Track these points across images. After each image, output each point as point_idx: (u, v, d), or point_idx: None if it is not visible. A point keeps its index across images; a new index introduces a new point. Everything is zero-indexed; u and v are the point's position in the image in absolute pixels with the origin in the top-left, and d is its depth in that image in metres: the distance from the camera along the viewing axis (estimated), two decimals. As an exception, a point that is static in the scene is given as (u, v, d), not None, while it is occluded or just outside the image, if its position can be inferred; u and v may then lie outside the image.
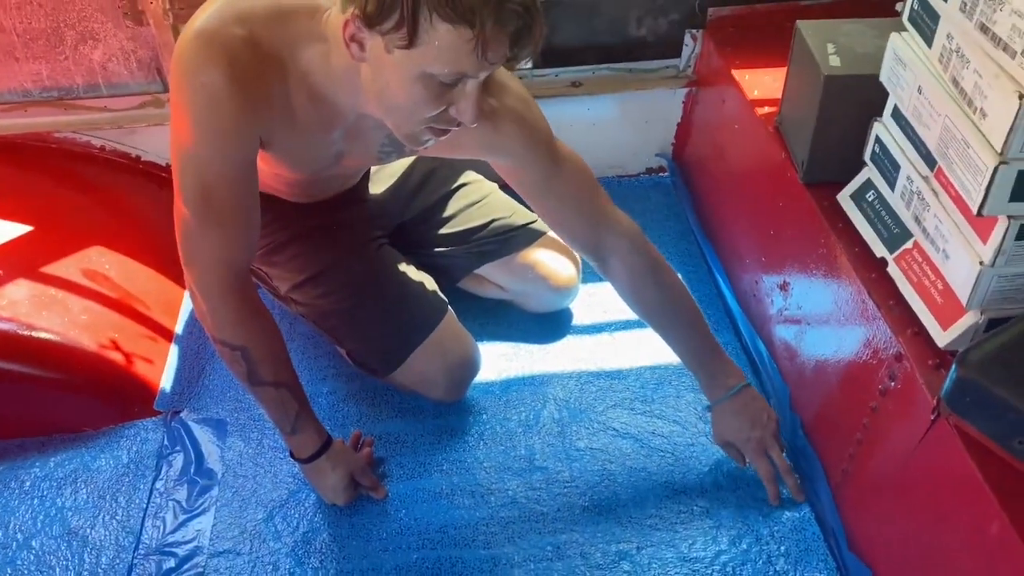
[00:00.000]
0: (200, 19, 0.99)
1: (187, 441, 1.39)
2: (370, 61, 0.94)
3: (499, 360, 1.54)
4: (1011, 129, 0.86)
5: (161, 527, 1.28)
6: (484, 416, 1.45)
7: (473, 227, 1.54)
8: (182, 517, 1.29)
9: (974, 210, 0.92)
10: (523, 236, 1.54)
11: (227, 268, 1.10)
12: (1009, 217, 0.92)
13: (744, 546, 1.25)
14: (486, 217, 1.54)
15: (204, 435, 1.41)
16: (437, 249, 1.55)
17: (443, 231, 1.54)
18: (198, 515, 1.30)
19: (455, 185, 1.57)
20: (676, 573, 1.22)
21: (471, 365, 1.44)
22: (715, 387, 1.31)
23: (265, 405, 1.21)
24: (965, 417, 0.93)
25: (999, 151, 0.88)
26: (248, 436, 1.41)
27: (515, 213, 1.55)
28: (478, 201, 1.56)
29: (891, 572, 1.11)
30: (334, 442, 1.28)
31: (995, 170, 0.88)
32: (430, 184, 1.55)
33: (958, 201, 0.98)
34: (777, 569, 1.22)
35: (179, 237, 1.09)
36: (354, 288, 1.40)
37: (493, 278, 1.57)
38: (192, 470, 1.36)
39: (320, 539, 1.27)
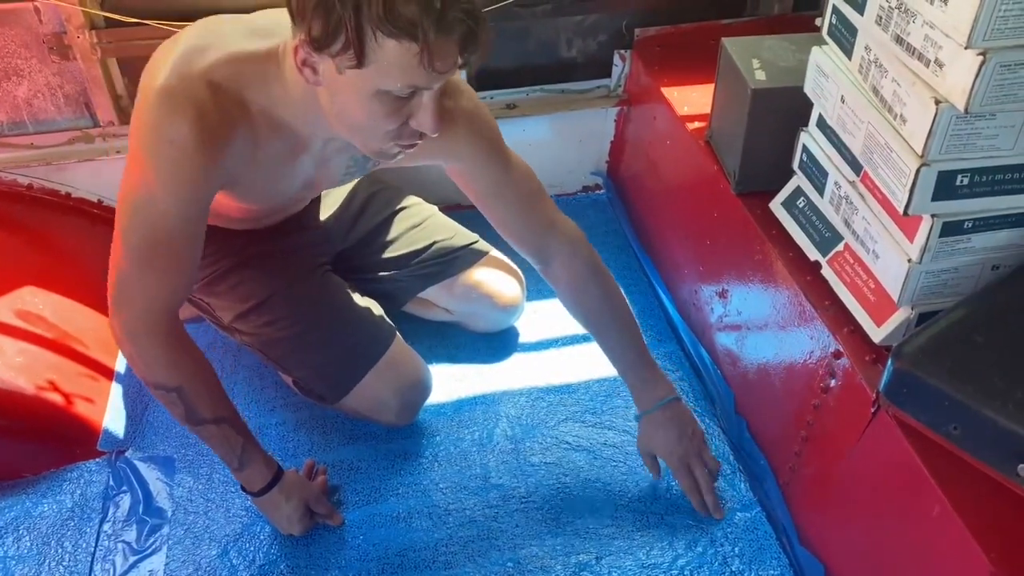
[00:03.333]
0: (161, 76, 0.99)
1: (134, 480, 1.36)
2: (325, 84, 0.95)
3: (449, 381, 1.54)
4: (930, 133, 0.91)
5: (111, 570, 1.24)
6: (437, 438, 1.45)
7: (415, 250, 1.54)
8: (132, 559, 1.26)
9: (900, 210, 0.97)
10: (465, 257, 1.55)
11: (159, 312, 1.09)
12: (933, 216, 0.97)
13: (700, 549, 1.27)
14: (428, 239, 1.55)
15: (151, 473, 1.37)
16: (380, 273, 1.55)
17: (385, 255, 1.54)
18: (149, 555, 1.26)
19: (396, 208, 1.57)
20: (636, 580, 1.24)
21: (423, 387, 1.45)
22: (644, 397, 1.32)
23: (209, 443, 1.19)
24: (903, 408, 0.98)
25: (920, 154, 0.93)
26: (197, 471, 1.38)
27: (456, 235, 1.56)
28: (419, 224, 1.57)
29: (842, 563, 1.14)
30: (286, 473, 1.26)
31: (918, 171, 0.93)
32: (372, 207, 1.56)
33: (884, 203, 1.04)
34: (733, 570, 1.24)
35: (112, 280, 1.08)
36: (300, 315, 1.39)
37: (438, 301, 1.58)
38: (141, 509, 1.32)
39: (278, 570, 1.25)
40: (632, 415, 1.48)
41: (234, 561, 1.26)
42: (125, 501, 1.33)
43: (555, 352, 1.61)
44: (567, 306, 1.35)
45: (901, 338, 1.03)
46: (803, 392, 1.19)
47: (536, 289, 1.63)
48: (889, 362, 0.98)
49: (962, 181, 0.95)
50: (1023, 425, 0.87)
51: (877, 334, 1.07)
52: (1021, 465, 0.88)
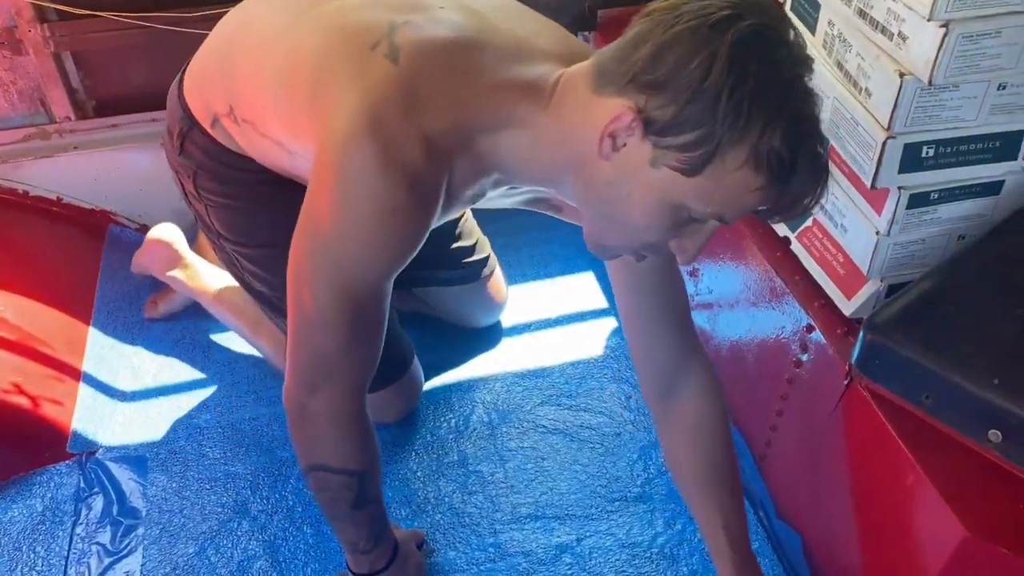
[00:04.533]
0: (368, 105, 0.83)
1: (106, 481, 1.34)
2: (615, 164, 0.80)
3: (424, 370, 1.53)
4: (895, 106, 0.92)
5: (86, 573, 1.22)
6: (414, 426, 1.44)
7: (464, 247, 1.47)
8: (108, 560, 1.24)
9: (867, 184, 0.98)
10: (479, 268, 1.51)
11: (361, 390, 0.99)
12: (899, 188, 0.98)
13: (679, 526, 1.28)
14: (470, 239, 1.49)
15: (123, 474, 1.35)
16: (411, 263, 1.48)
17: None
18: (125, 556, 1.24)
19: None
20: (617, 560, 1.24)
21: (420, 396, 1.45)
22: None
23: (356, 527, 1.07)
24: (876, 379, 0.99)
25: (886, 127, 0.94)
26: (170, 470, 1.36)
27: (478, 240, 1.51)
28: (464, 218, 1.48)
29: (818, 534, 1.16)
30: (397, 539, 1.15)
31: (884, 144, 0.94)
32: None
33: (852, 177, 1.04)
34: (712, 545, 1.26)
35: (303, 355, 0.94)
36: None
37: (426, 297, 1.56)
38: (114, 511, 1.30)
39: (257, 566, 1.24)
40: (608, 395, 1.49)
41: (212, 559, 1.24)
42: (98, 503, 1.31)
43: (529, 337, 1.61)
44: (675, 452, 1.10)
45: (871, 310, 1.04)
46: (777, 367, 1.20)
47: (508, 275, 1.63)
48: (860, 334, 0.99)
49: (928, 153, 0.96)
50: (993, 391, 0.88)
51: (848, 307, 1.08)
52: (992, 431, 0.89)
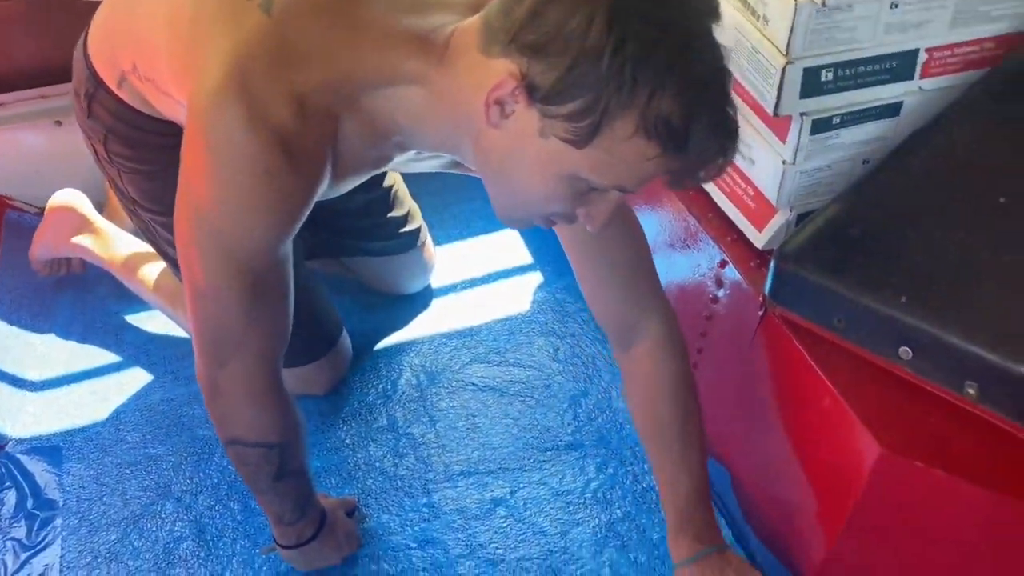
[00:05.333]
0: (235, 61, 0.78)
1: (17, 475, 1.28)
2: (506, 132, 0.75)
3: (350, 337, 1.50)
4: (792, 30, 0.91)
5: (2, 571, 1.17)
6: (341, 395, 1.41)
7: (397, 217, 1.44)
8: (24, 555, 1.19)
9: (770, 112, 0.98)
10: (411, 240, 1.48)
11: (272, 361, 0.94)
12: (802, 114, 0.98)
13: (611, 470, 1.29)
14: (402, 209, 1.45)
15: (36, 465, 1.30)
16: (339, 233, 1.44)
17: (353, 209, 1.40)
18: (42, 550, 1.20)
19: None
20: (551, 508, 1.24)
21: (348, 366, 1.43)
22: (682, 544, 1.01)
23: (280, 498, 1.04)
24: (789, 307, 0.99)
25: (784, 52, 0.93)
26: (87, 457, 1.31)
27: (410, 208, 1.48)
28: (394, 185, 1.44)
29: (745, 466, 1.17)
30: (324, 507, 1.14)
31: (783, 70, 0.94)
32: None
33: (755, 108, 1.04)
34: (644, 486, 1.26)
35: (205, 330, 0.90)
36: None
37: (353, 265, 1.52)
38: (29, 504, 1.25)
39: (184, 547, 1.20)
40: (536, 348, 1.48)
41: (136, 544, 1.20)
42: (11, 497, 1.26)
43: (455, 297, 1.59)
44: (633, 403, 1.07)
45: (782, 240, 1.04)
46: (695, 305, 1.20)
47: (433, 237, 1.60)
48: (772, 264, 0.99)
49: (827, 76, 0.96)
50: (901, 310, 0.89)
51: (759, 239, 1.09)
52: (902, 348, 0.91)
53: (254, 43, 0.80)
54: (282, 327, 0.93)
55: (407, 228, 1.48)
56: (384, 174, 1.41)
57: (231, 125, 0.78)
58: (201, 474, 1.29)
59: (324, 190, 0.86)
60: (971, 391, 0.87)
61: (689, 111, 0.70)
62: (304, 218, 0.87)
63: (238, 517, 1.24)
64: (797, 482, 1.04)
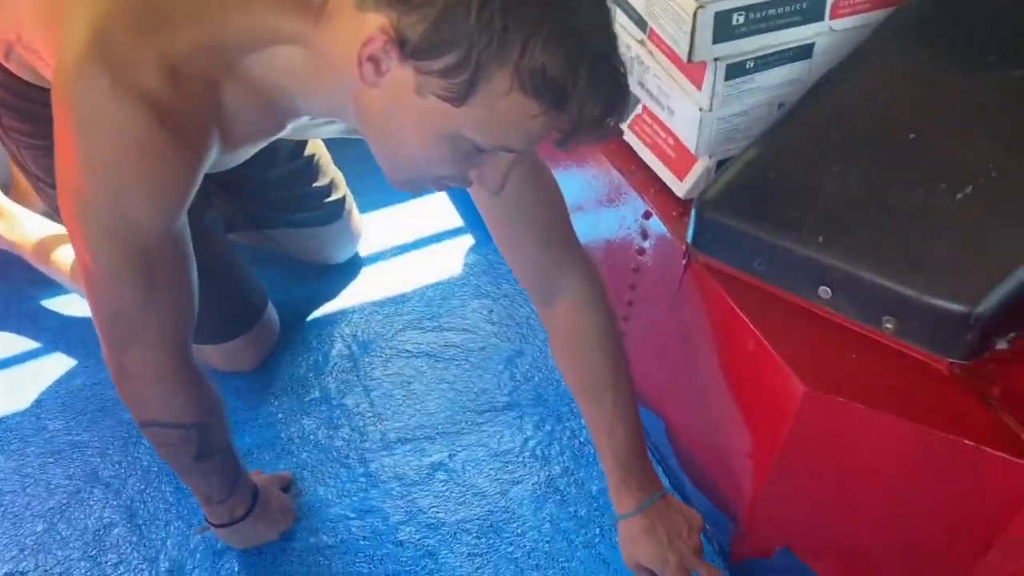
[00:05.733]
0: (97, 25, 0.73)
1: (-67, 472, 1.23)
2: (384, 91, 0.71)
3: (277, 310, 1.47)
4: (700, -26, 0.91)
5: (-79, 571, 1.13)
6: (270, 370, 1.38)
7: (314, 189, 1.39)
8: (-55, 554, 1.15)
9: (684, 58, 0.97)
10: (335, 210, 1.44)
11: (177, 342, 0.90)
12: (715, 60, 0.98)
13: (548, 428, 1.29)
14: (325, 179, 1.41)
15: (-47, 461, 1.25)
16: (262, 205, 1.41)
17: (272, 179, 1.36)
18: (-35, 546, 1.16)
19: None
20: (490, 469, 1.24)
21: (278, 334, 1.40)
22: (625, 495, 1.02)
23: (204, 478, 1.02)
24: (711, 253, 1.00)
25: (694, -3, 0.93)
26: (6, 449, 1.26)
27: (333, 177, 1.44)
28: (315, 154, 1.40)
29: (678, 415, 1.19)
30: (256, 484, 1.12)
31: (695, 15, 0.93)
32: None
33: (671, 56, 1.03)
34: (581, 440, 1.27)
35: (104, 315, 0.86)
36: None
37: (276, 236, 1.48)
38: (-54, 501, 1.20)
39: (115, 533, 1.17)
40: (470, 311, 1.47)
41: (64, 533, 1.17)
42: (-72, 495, 1.21)
43: (384, 265, 1.56)
44: (560, 359, 1.06)
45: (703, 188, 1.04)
46: (623, 259, 1.20)
47: (358, 204, 1.57)
48: (693, 212, 0.99)
49: (738, 20, 0.95)
50: (819, 249, 0.90)
51: (681, 188, 1.09)
52: (822, 287, 0.92)
53: (116, 6, 0.75)
54: (185, 305, 0.89)
55: (332, 198, 1.44)
56: (304, 143, 1.37)
57: (96, 96, 0.73)
58: (129, 458, 1.26)
59: (213, 161, 0.82)
60: (889, 326, 0.88)
61: (567, 64, 0.67)
62: (193, 191, 0.82)
63: (170, 499, 1.21)
64: (727, 426, 1.05)
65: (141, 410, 0.94)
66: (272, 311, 1.38)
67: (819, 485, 0.97)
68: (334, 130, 1.01)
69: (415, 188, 0.82)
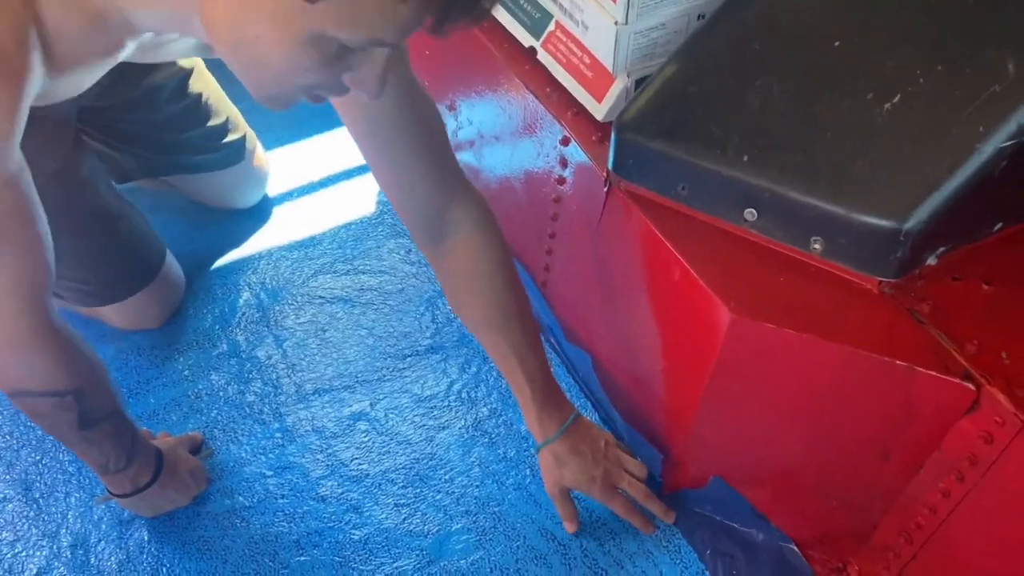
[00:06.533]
0: None
1: None
2: None
3: (180, 262, 1.37)
4: None
5: None
6: (174, 324, 1.29)
7: (215, 126, 1.29)
8: None
9: (596, -33, 0.90)
10: (237, 151, 1.35)
11: (37, 301, 0.80)
12: (629, -32, 0.91)
13: (474, 369, 1.24)
14: (219, 117, 1.31)
15: None
16: (154, 151, 1.29)
17: (159, 121, 1.25)
18: None
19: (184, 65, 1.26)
20: (414, 415, 1.19)
21: (183, 288, 1.31)
22: (547, 421, 1.02)
23: (96, 447, 0.94)
24: (632, 179, 0.94)
25: None
26: None
27: (229, 115, 1.33)
28: (204, 92, 1.29)
29: (604, 348, 1.15)
30: (161, 448, 1.05)
31: (604, -82, 0.86)
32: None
33: (583, -34, 0.96)
34: (508, 381, 1.22)
35: None
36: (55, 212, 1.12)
37: (176, 183, 1.38)
38: None
39: (10, 508, 1.09)
40: (386, 252, 1.40)
41: (-48, 514, 1.08)
42: None
43: (290, 205, 1.47)
44: (461, 298, 1.02)
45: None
46: (542, 189, 1.14)
47: (262, 141, 1.46)
48: (612, 135, 0.93)
49: (652, -76, 0.88)
50: (743, 170, 0.86)
51: (599, 110, 1.02)
52: (748, 210, 0.87)
53: None
54: (35, 260, 0.79)
55: (230, 138, 1.34)
56: (186, 79, 1.26)
57: None
58: (20, 428, 1.16)
59: (42, 90, 0.72)
60: (817, 247, 0.85)
61: None
62: (18, 126, 0.71)
63: (69, 469, 1.13)
64: (656, 357, 1.02)
65: (7, 379, 0.84)
66: (173, 264, 1.28)
67: (750, 412, 0.95)
68: (187, 48, 0.91)
69: (286, 103, 0.72)
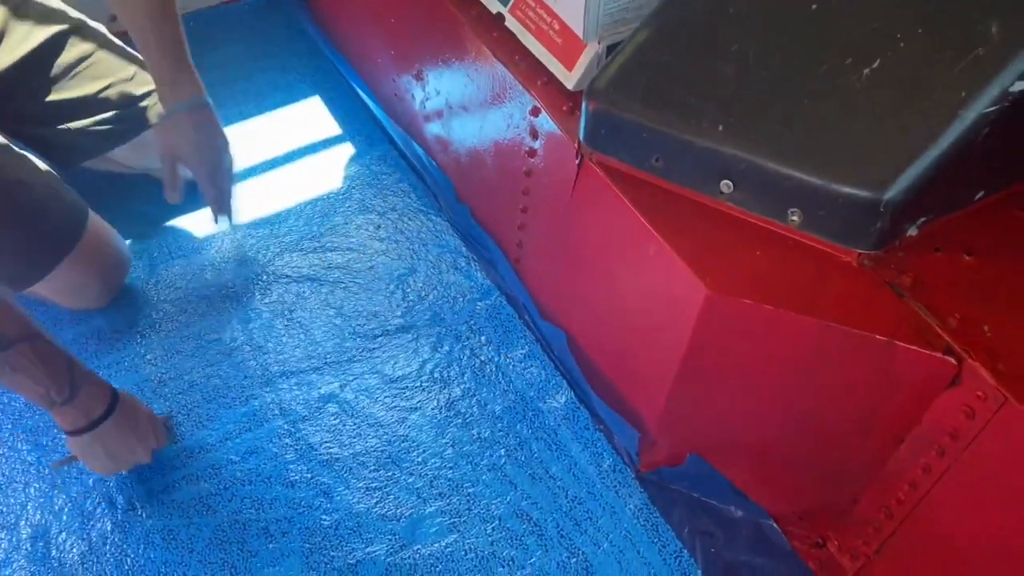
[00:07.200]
0: None
1: None
2: None
3: (135, 243, 1.32)
4: None
5: None
6: (129, 307, 1.25)
7: (89, 95, 1.23)
8: None
9: (563, -72, 0.86)
10: (152, 103, 1.28)
11: None
12: (599, -71, 0.87)
13: (447, 348, 1.21)
14: (103, 80, 1.24)
15: None
16: (46, 126, 1.23)
17: (50, 98, 1.21)
18: None
19: (55, 31, 1.21)
20: (385, 397, 1.16)
21: (125, 263, 1.25)
22: (180, 88, 1.10)
23: (22, 373, 0.90)
24: (605, 151, 0.91)
25: None
26: None
27: (135, 74, 1.27)
28: (88, 56, 1.24)
29: (581, 325, 1.12)
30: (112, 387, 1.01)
31: None
32: (15, 28, 1.19)
33: (550, -73, 0.92)
34: (483, 359, 1.19)
35: None
36: None
37: (122, 160, 1.32)
38: None
39: (-36, 503, 1.05)
40: (354, 228, 1.36)
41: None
42: None
43: (256, 182, 1.43)
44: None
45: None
46: (513, 161, 1.11)
47: (224, 115, 1.41)
48: (583, 105, 0.90)
49: None
50: (719, 140, 0.83)
51: (570, 79, 0.98)
52: (724, 181, 0.84)
53: None
54: None
55: (137, 103, 1.27)
56: (61, 44, 1.21)
57: None
58: (-24, 418, 1.12)
59: None
60: (795, 219, 0.82)
61: None
62: None
63: (28, 459, 1.09)
64: (631, 334, 0.99)
65: None
66: (103, 234, 1.20)
67: (727, 389, 0.93)
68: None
69: None
